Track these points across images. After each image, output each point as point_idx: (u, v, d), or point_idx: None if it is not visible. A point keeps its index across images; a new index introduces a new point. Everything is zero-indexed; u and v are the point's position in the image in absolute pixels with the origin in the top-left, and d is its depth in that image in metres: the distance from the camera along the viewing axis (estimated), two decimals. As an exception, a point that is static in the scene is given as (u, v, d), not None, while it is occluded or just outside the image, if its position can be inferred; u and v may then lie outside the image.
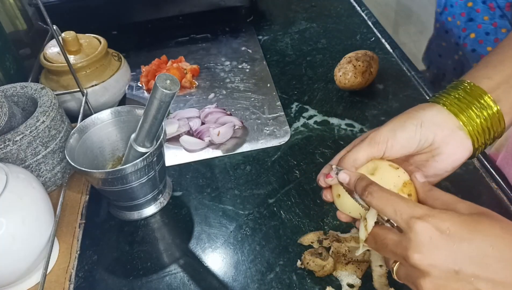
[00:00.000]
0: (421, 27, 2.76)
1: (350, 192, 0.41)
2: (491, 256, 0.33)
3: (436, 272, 0.34)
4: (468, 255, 0.33)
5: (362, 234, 0.40)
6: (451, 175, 0.62)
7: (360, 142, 0.44)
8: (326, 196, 0.45)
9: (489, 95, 0.41)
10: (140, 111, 0.60)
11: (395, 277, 0.38)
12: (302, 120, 0.75)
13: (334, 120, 0.74)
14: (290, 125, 0.74)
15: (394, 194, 0.37)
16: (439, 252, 0.34)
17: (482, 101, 0.41)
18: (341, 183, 0.42)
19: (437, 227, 0.34)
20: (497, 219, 0.35)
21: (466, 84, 0.43)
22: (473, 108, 0.41)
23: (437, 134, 0.42)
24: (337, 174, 0.42)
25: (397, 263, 0.38)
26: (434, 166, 0.43)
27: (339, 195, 0.44)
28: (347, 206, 0.43)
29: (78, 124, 0.60)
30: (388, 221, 0.38)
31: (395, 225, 0.37)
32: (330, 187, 0.45)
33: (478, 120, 0.41)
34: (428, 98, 0.76)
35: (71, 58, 0.72)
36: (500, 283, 0.33)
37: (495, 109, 0.41)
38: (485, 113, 0.41)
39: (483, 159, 0.64)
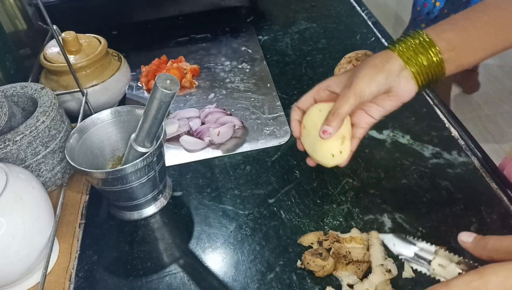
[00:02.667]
0: (421, 27, 2.75)
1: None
2: None
3: None
4: None
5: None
6: (451, 175, 0.63)
7: (345, 92, 0.50)
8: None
9: (437, 47, 0.48)
10: (140, 111, 0.60)
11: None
12: (302, 120, 0.75)
13: (334, 120, 0.74)
14: (290, 125, 0.74)
15: None
16: None
17: (431, 51, 0.49)
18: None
19: None
20: None
21: (423, 36, 0.49)
22: (422, 56, 0.49)
23: (394, 80, 0.49)
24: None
25: None
26: (388, 104, 0.51)
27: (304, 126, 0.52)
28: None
29: (78, 124, 0.60)
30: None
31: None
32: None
33: (424, 67, 0.49)
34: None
35: (71, 58, 0.72)
36: None
37: (439, 57, 0.49)
38: (430, 61, 0.49)
39: (483, 159, 0.64)
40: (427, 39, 0.49)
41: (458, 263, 0.38)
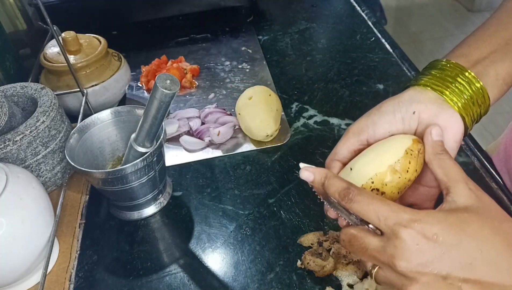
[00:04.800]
0: (421, 27, 2.76)
1: (319, 192, 0.39)
2: (479, 259, 0.33)
3: (424, 279, 0.33)
4: (456, 260, 0.33)
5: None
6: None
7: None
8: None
9: (469, 71, 0.40)
10: (140, 111, 0.60)
11: (374, 280, 0.37)
12: (302, 120, 0.75)
13: (334, 120, 0.74)
14: (290, 125, 0.74)
15: (376, 198, 0.35)
16: (426, 259, 0.33)
17: (465, 76, 0.40)
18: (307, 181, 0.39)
19: (423, 234, 0.33)
20: (490, 218, 0.34)
21: (444, 62, 0.42)
22: (457, 84, 0.40)
23: (422, 110, 0.40)
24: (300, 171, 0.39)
25: (377, 267, 0.36)
26: None
27: None
28: None
29: (78, 124, 0.60)
30: (368, 225, 0.37)
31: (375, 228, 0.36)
32: None
33: (464, 96, 0.40)
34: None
35: (71, 58, 0.72)
36: (487, 284, 0.33)
37: (478, 85, 0.40)
38: (469, 89, 0.40)
39: (483, 159, 0.64)
40: (448, 63, 0.41)
41: None
